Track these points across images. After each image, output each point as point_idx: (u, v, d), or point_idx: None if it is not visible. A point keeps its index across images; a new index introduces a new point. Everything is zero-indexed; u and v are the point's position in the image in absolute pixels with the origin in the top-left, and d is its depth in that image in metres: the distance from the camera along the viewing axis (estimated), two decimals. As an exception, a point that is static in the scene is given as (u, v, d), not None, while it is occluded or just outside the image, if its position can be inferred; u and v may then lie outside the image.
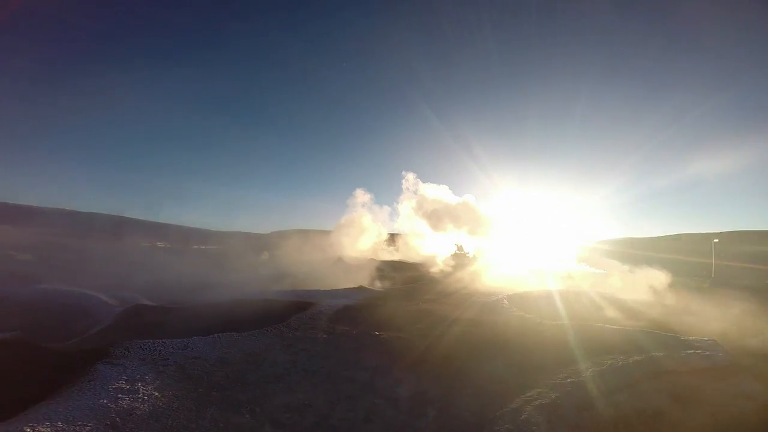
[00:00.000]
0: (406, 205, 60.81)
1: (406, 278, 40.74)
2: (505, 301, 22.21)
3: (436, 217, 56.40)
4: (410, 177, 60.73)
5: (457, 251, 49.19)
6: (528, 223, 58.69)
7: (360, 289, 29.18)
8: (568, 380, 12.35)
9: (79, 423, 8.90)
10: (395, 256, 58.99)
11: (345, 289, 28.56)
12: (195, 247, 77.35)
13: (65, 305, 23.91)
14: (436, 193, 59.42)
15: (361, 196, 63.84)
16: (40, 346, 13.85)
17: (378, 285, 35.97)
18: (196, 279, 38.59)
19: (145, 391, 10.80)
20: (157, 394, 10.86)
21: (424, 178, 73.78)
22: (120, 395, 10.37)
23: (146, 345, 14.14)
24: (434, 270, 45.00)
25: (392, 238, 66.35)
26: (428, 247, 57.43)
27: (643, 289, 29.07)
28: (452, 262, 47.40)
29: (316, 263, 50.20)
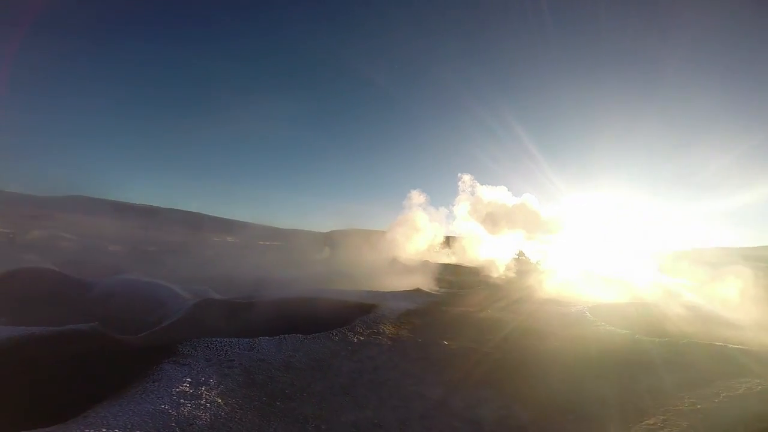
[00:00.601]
0: (461, 207, 57.72)
1: (464, 282, 38.28)
2: (587, 313, 19.34)
3: (492, 219, 53.00)
4: (466, 178, 57.57)
5: (519, 256, 45.56)
6: (600, 228, 53.30)
7: (418, 291, 27.37)
8: (698, 406, 9.68)
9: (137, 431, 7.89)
10: (451, 259, 56.43)
11: (404, 292, 26.89)
12: (261, 243, 79.51)
13: (143, 295, 24.32)
14: (492, 194, 55.80)
15: (417, 197, 61.66)
16: (114, 338, 13.48)
17: (435, 288, 33.91)
18: (262, 274, 38.79)
19: (208, 397, 9.72)
20: (219, 401, 9.74)
21: (483, 181, 70.29)
22: (182, 400, 9.34)
23: (213, 344, 13.30)
24: (494, 275, 42.05)
25: (448, 240, 63.73)
26: (486, 250, 54.16)
27: (744, 303, 24.57)
28: (514, 268, 44.05)
29: (372, 262, 49.06)
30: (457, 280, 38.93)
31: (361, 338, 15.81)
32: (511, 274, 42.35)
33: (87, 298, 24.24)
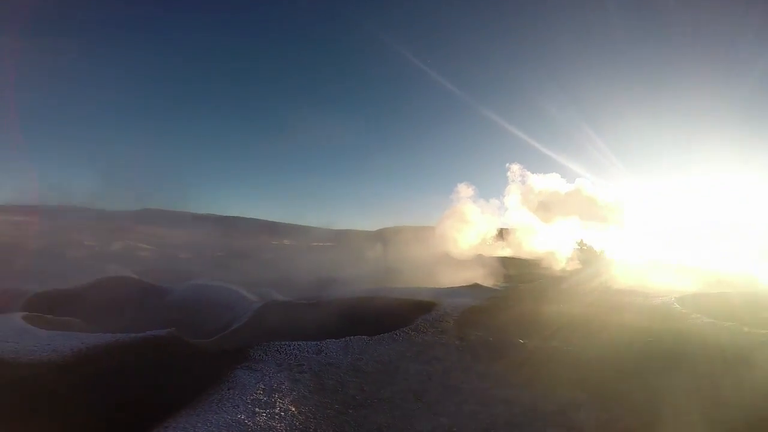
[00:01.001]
0: (512, 197, 54.97)
1: (524, 276, 36.22)
2: (676, 304, 17.11)
3: (545, 207, 49.90)
4: (515, 168, 54.69)
5: (580, 246, 42.42)
6: (670, 212, 48.46)
7: (476, 287, 26.02)
8: None
9: (218, 444, 7.59)
10: (506, 252, 53.95)
11: (461, 287, 25.68)
12: (313, 244, 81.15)
13: (212, 299, 25.13)
14: (544, 182, 52.50)
15: (464, 190, 59.50)
16: (189, 343, 13.68)
17: (494, 283, 32.26)
18: (318, 275, 39.17)
19: (281, 405, 9.33)
20: (293, 409, 9.32)
21: (533, 169, 66.60)
22: (257, 409, 9.02)
23: (283, 347, 13.09)
24: (556, 267, 39.46)
25: (501, 232, 61.11)
26: (543, 241, 51.16)
27: None
28: (577, 258, 41.05)
29: (423, 259, 48.04)
30: (516, 274, 36.95)
31: (426, 338, 14.97)
32: (575, 265, 39.50)
33: (163, 303, 25.47)
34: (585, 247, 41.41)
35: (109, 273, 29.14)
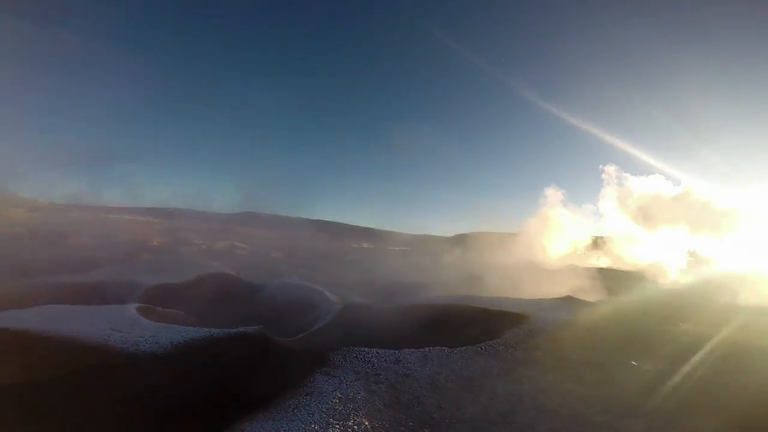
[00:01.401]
0: (608, 202, 48.76)
1: (625, 289, 31.78)
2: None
3: (646, 213, 43.31)
4: (611, 170, 48.46)
5: (692, 257, 36.10)
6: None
7: (570, 300, 23.22)
8: None
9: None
10: (603, 263, 48.27)
11: (553, 300, 23.13)
12: (391, 248, 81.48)
13: (298, 297, 26.02)
14: (645, 185, 45.66)
15: (553, 194, 54.50)
16: (274, 342, 13.93)
17: (590, 296, 28.69)
18: (396, 278, 38.81)
19: (355, 419, 8.80)
20: (366, 423, 8.72)
21: (631, 171, 59.01)
22: (331, 420, 8.59)
23: (361, 354, 12.70)
24: (663, 280, 34.08)
25: (596, 241, 54.97)
26: (645, 251, 44.68)
27: None
28: (687, 271, 35.05)
29: (506, 267, 45.02)
30: (616, 287, 32.60)
31: (517, 354, 13.45)
32: (686, 279, 33.71)
33: (256, 298, 27.07)
34: (698, 258, 35.05)
35: (212, 269, 31.93)
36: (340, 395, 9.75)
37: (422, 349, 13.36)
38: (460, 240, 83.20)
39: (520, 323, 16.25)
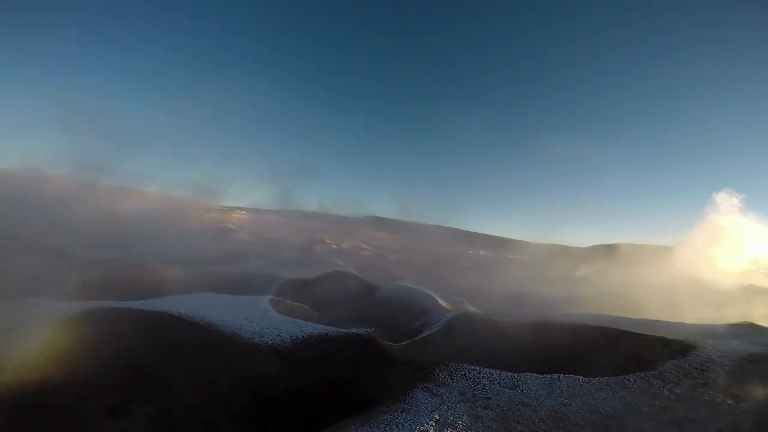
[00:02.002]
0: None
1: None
2: None
3: None
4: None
5: None
6: None
7: (752, 327, 17.84)
8: None
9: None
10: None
11: (729, 326, 18.03)
12: (512, 257, 75.94)
13: (410, 301, 25.87)
14: None
15: (726, 200, 43.22)
16: (382, 347, 13.83)
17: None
18: (514, 288, 35.72)
19: (455, 449, 7.83)
20: (468, 457, 7.67)
21: None
22: (428, 445, 7.79)
23: (471, 373, 11.61)
24: None
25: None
26: None
27: None
28: None
29: (656, 284, 37.37)
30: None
31: (678, 391, 10.64)
32: None
33: (372, 299, 27.91)
34: None
35: (337, 267, 34.23)
36: (438, 417, 8.92)
37: (548, 376, 11.55)
38: (598, 251, 72.96)
39: (686, 353, 12.87)
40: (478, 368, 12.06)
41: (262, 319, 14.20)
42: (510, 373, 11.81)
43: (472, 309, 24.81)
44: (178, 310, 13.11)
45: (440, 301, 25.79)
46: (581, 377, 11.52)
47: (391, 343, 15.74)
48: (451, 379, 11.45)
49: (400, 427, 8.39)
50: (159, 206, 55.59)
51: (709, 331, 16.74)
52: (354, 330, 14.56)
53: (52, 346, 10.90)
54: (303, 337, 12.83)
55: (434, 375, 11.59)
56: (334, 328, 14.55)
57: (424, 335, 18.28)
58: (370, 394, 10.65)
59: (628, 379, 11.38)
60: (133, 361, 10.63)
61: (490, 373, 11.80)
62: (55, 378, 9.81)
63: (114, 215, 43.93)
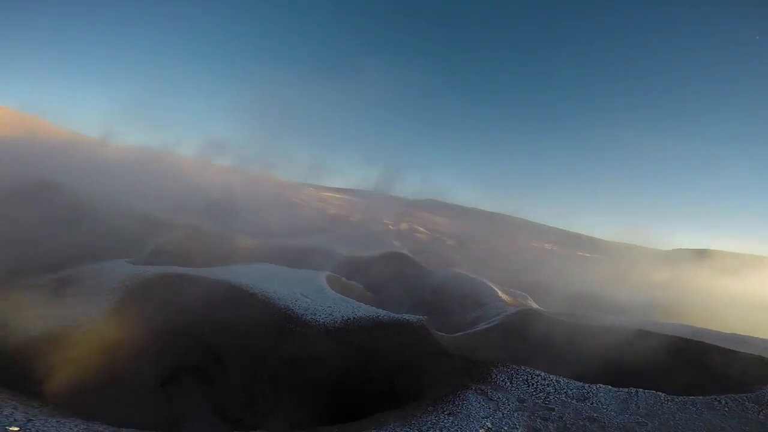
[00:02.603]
0: None
1: None
2: None
3: None
4: None
5: None
6: None
7: None
8: None
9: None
10: None
11: None
12: (580, 254, 70.07)
13: (466, 290, 24.66)
14: None
15: None
16: (433, 337, 13.06)
17: None
18: (584, 288, 32.68)
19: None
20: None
21: None
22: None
23: (534, 379, 10.45)
24: None
25: None
26: None
27: None
28: None
29: (749, 297, 32.16)
30: None
31: None
32: None
33: (425, 283, 27.09)
34: None
35: (392, 248, 33.80)
36: (490, 426, 8.00)
37: (625, 390, 10.08)
38: (683, 255, 64.76)
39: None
40: (542, 374, 10.84)
41: (316, 295, 14.11)
42: (579, 383, 10.48)
43: (534, 305, 23.01)
44: (239, 281, 13.47)
45: (500, 293, 24.22)
46: (663, 394, 9.92)
47: (442, 334, 14.90)
48: (510, 382, 10.39)
49: (446, 432, 7.60)
50: (251, 183, 59.42)
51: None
52: (406, 316, 13.93)
53: (118, 311, 11.68)
54: (354, 319, 12.48)
55: (491, 376, 10.59)
56: (385, 312, 14.04)
57: (479, 329, 17.14)
58: (415, 386, 10.01)
59: (719, 401, 9.59)
60: (190, 330, 11.10)
61: (557, 380, 10.54)
62: (118, 346, 10.51)
63: (215, 189, 47.24)
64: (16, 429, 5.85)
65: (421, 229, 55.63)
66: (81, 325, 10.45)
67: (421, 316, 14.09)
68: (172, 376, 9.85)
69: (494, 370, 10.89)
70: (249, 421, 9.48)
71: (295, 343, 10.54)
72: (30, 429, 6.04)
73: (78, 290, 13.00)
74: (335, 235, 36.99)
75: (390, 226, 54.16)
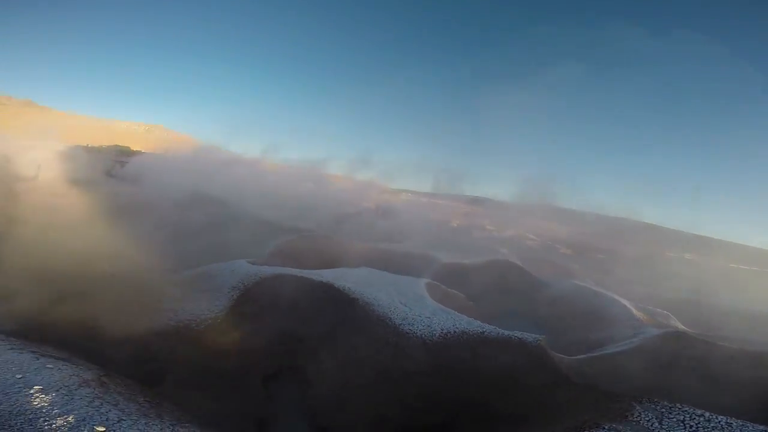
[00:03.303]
0: None
1: None
2: None
3: None
4: None
5: None
6: None
7: None
8: None
9: None
10: None
11: None
12: (733, 265, 56.07)
13: (589, 307, 21.21)
14: None
15: None
16: (552, 361, 11.06)
17: None
18: (741, 307, 25.72)
19: None
20: None
21: None
22: None
23: (694, 420, 8.02)
24: None
25: None
26: None
27: None
28: None
29: None
30: None
31: None
32: None
33: (538, 296, 24.20)
34: None
35: (498, 256, 31.27)
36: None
37: None
38: None
39: None
40: (706, 414, 8.21)
41: (415, 304, 13.30)
42: (761, 427, 7.66)
43: (681, 327, 18.62)
44: (342, 284, 13.47)
45: (634, 310, 20.23)
46: None
47: (562, 356, 12.62)
48: (660, 424, 8.05)
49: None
50: (357, 189, 63.33)
51: None
52: (518, 334, 12.16)
53: (235, 308, 12.51)
54: (455, 333, 11.29)
55: (632, 413, 8.35)
56: (492, 327, 12.49)
57: (608, 351, 14.17)
58: (523, 418, 8.34)
59: None
60: (294, 330, 11.30)
61: (727, 423, 7.88)
62: (229, 343, 11.16)
63: (329, 198, 51.40)
64: (102, 429, 6.01)
65: (531, 235, 51.06)
66: (202, 321, 11.48)
67: (537, 336, 12.15)
68: (275, 375, 9.98)
69: (637, 407, 8.59)
70: (335, 430, 8.97)
71: (390, 354, 9.85)
72: (116, 430, 6.10)
73: (208, 286, 14.37)
74: (435, 241, 35.90)
75: (494, 233, 51.01)
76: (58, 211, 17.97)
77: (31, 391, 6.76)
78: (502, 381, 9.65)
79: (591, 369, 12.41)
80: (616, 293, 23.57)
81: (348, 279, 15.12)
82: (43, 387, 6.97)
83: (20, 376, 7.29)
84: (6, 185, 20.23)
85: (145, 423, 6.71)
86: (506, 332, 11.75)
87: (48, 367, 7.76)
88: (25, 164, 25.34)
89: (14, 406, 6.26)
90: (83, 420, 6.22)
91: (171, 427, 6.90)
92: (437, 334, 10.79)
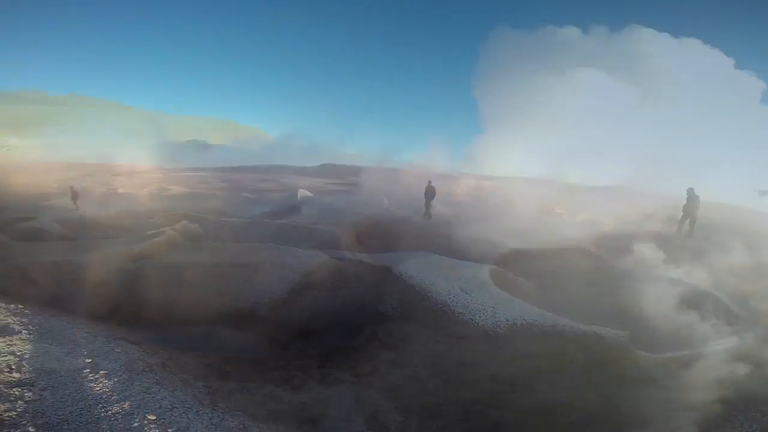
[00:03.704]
0: None
1: None
2: None
3: None
4: None
5: None
6: None
7: None
8: None
9: None
10: None
11: None
12: None
13: (677, 301, 18.92)
14: None
15: None
16: (636, 359, 10.04)
17: None
18: None
19: None
20: None
21: None
22: None
23: None
24: None
25: None
26: None
27: None
28: None
29: None
30: None
31: None
32: None
33: (617, 286, 22.16)
34: None
35: (570, 242, 29.09)
36: None
37: None
38: None
39: None
40: None
41: (478, 290, 12.85)
42: None
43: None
44: (399, 269, 13.47)
45: (731, 306, 17.77)
46: None
47: (648, 354, 11.47)
48: (767, 438, 6.96)
49: None
50: (413, 173, 63.62)
51: None
52: (596, 329, 11.25)
53: (295, 291, 13.02)
54: (522, 324, 10.71)
55: (732, 422, 7.29)
56: (566, 320, 11.67)
57: (703, 351, 12.59)
58: (597, 426, 7.69)
59: None
60: (350, 321, 11.52)
61: None
62: (288, 327, 11.66)
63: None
64: (153, 418, 6.08)
65: (606, 220, 46.85)
66: (264, 305, 12.27)
67: (619, 332, 11.14)
68: (329, 361, 10.12)
69: (738, 416, 7.48)
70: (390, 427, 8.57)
71: (448, 346, 9.63)
72: (166, 418, 6.17)
73: (273, 270, 15.11)
74: (500, 224, 34.35)
75: (564, 216, 47.52)
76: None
77: (97, 376, 6.85)
78: (573, 382, 9.02)
79: (681, 370, 11.15)
80: (711, 287, 20.81)
81: (406, 263, 15.02)
82: (108, 372, 7.04)
83: (90, 360, 7.38)
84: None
85: (197, 411, 6.62)
86: (582, 327, 10.93)
87: (116, 351, 7.91)
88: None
89: (79, 392, 6.34)
90: (138, 407, 6.24)
91: (221, 417, 6.78)
92: (502, 325, 10.34)
